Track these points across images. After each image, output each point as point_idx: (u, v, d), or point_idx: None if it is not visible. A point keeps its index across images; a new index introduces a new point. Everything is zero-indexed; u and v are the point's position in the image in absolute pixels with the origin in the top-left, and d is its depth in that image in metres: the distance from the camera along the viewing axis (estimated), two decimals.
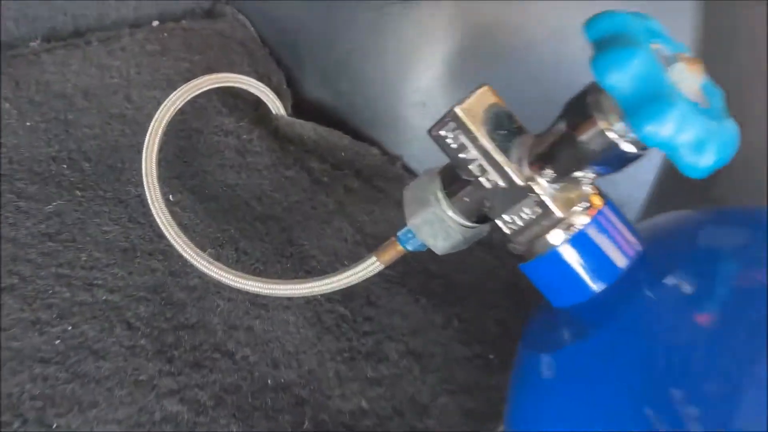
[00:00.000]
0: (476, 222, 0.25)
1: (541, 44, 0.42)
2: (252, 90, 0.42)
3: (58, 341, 0.31)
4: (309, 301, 0.36)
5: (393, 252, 0.28)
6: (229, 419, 0.31)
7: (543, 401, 0.22)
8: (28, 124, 0.39)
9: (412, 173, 0.46)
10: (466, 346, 0.38)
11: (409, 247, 0.28)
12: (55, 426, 0.28)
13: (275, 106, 0.44)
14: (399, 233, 0.27)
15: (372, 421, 0.34)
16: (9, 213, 0.34)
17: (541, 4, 0.41)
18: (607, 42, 0.19)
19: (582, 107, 0.21)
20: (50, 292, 0.33)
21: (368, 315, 0.37)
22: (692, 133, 0.19)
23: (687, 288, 0.21)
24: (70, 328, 0.31)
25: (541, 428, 0.22)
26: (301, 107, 0.49)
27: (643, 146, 0.21)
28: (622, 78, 0.19)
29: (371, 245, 0.41)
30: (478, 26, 0.45)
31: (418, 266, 0.40)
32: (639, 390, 0.19)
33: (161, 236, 0.35)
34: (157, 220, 0.34)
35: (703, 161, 0.19)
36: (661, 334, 0.20)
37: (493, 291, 0.41)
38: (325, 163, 0.43)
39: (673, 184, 0.45)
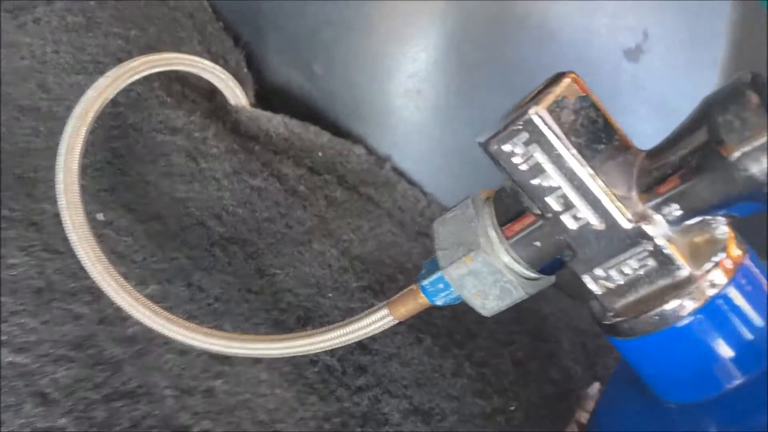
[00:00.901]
0: (544, 272, 0.18)
1: (570, 21, 0.35)
2: (205, 75, 0.33)
3: None
4: None
5: (413, 305, 0.20)
6: None
7: None
8: None
9: (405, 177, 0.38)
10: (484, 399, 0.30)
11: (439, 302, 0.20)
12: None
13: (234, 94, 0.35)
14: (424, 282, 0.19)
15: None
16: None
17: None
18: None
19: (741, 108, 0.14)
20: None
21: (361, 364, 0.30)
22: None
23: None
24: None
25: None
26: (266, 95, 0.40)
27: None
28: None
29: (360, 271, 0.33)
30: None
31: None
32: None
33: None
34: (77, 249, 0.25)
35: None
36: None
37: (507, 321, 0.34)
38: (301, 168, 0.35)
39: None
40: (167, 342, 0.27)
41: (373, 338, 0.31)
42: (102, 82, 0.28)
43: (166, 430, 0.25)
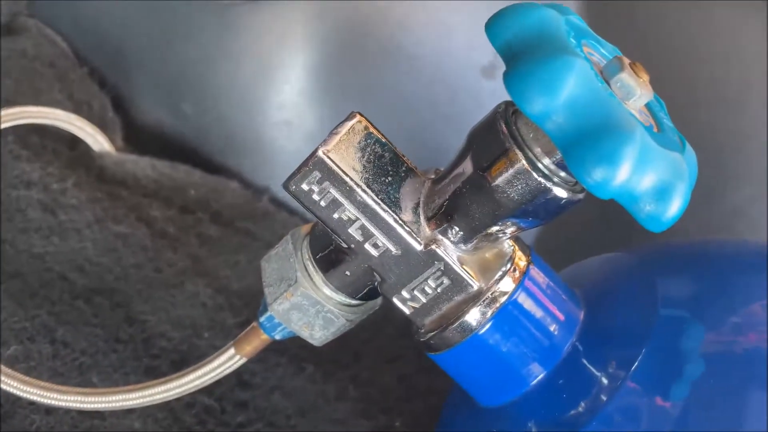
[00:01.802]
0: (364, 298, 0.19)
1: (426, 43, 0.36)
2: (60, 125, 0.33)
3: None
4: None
5: (257, 342, 0.21)
6: None
7: None
8: None
9: (284, 207, 0.39)
10: (368, 419, 0.31)
11: (278, 337, 0.20)
12: None
13: (96, 141, 0.34)
14: (261, 318, 0.20)
15: None
16: None
17: None
18: (527, 51, 0.13)
19: (494, 138, 0.15)
20: None
21: (241, 400, 0.30)
22: (656, 174, 0.13)
23: (643, 373, 0.15)
24: None
25: None
26: (135, 138, 0.39)
27: (581, 188, 0.15)
28: (554, 103, 0.13)
29: (238, 306, 0.33)
30: (347, 24, 0.39)
31: None
32: None
33: None
34: None
35: (670, 211, 0.13)
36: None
37: (396, 337, 0.35)
38: (171, 209, 0.35)
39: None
40: (32, 402, 0.26)
41: (253, 373, 0.31)
42: None
43: None
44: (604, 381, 0.16)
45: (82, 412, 0.27)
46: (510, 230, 0.16)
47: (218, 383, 0.29)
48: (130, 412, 0.27)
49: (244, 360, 0.22)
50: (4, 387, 0.24)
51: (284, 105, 0.39)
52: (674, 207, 0.13)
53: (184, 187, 0.36)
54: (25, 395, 0.24)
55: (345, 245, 0.17)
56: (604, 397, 0.15)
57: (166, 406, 0.28)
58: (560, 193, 0.15)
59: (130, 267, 0.31)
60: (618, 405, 0.15)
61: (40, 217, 0.30)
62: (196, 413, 0.28)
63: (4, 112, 0.30)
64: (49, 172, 0.32)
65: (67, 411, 0.27)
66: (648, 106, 0.15)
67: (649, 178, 0.13)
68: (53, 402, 0.24)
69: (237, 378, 0.30)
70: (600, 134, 0.13)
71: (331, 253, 0.18)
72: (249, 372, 0.31)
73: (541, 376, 0.16)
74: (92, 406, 0.23)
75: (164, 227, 0.33)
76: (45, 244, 0.30)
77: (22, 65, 0.38)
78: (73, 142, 0.35)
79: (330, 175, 0.16)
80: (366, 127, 0.17)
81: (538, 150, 0.15)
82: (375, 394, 0.33)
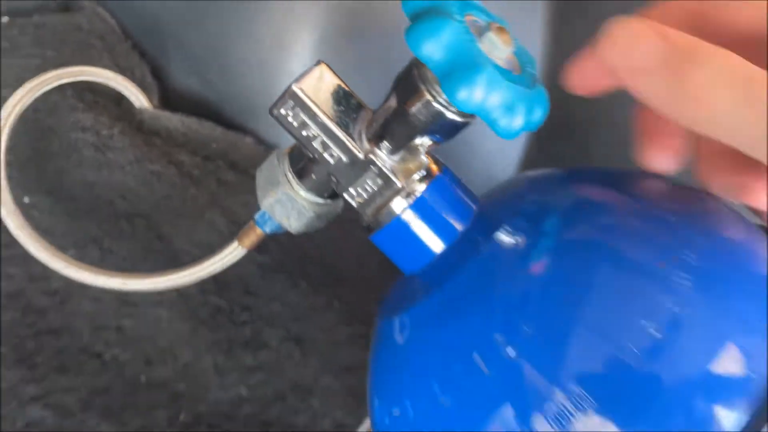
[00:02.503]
0: (328, 198, 0.26)
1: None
2: (110, 83, 0.41)
3: None
4: (182, 295, 0.36)
5: (253, 236, 0.28)
6: (99, 420, 0.30)
7: (396, 362, 0.23)
8: None
9: None
10: (348, 326, 0.38)
11: (267, 229, 0.28)
12: None
13: (138, 99, 0.42)
14: (256, 216, 0.28)
15: (253, 408, 0.34)
16: None
17: None
18: (421, 15, 0.20)
19: (409, 81, 0.22)
20: None
21: (246, 305, 0.37)
22: (501, 97, 0.20)
23: (511, 242, 0.22)
24: None
25: (397, 390, 0.23)
26: (169, 99, 0.47)
27: (468, 114, 0.22)
28: (434, 48, 0.20)
29: None
30: (346, 10, 0.46)
31: (297, 251, 0.40)
32: (477, 338, 0.21)
33: (15, 242, 0.33)
34: (8, 223, 0.32)
35: (515, 123, 0.20)
36: (491, 286, 0.21)
37: (370, 275, 0.42)
38: (196, 156, 0.42)
39: (543, 156, 0.48)
40: (84, 293, 0.34)
41: (257, 286, 0.39)
42: (19, 92, 0.36)
43: (83, 356, 0.32)
44: (481, 249, 0.23)
45: (123, 302, 0.34)
46: (425, 145, 0.23)
47: (228, 290, 0.37)
48: (159, 303, 0.35)
49: (244, 251, 0.29)
50: (65, 272, 0.32)
51: (293, 75, 0.46)
52: (518, 121, 0.20)
53: (207, 140, 0.44)
54: (79, 278, 0.32)
55: (311, 156, 0.24)
56: (477, 255, 0.22)
57: (186, 302, 0.35)
58: (452, 116, 0.22)
59: (162, 198, 0.39)
60: (486, 261, 0.22)
61: (92, 155, 0.38)
62: (210, 310, 0.36)
63: (65, 70, 0.38)
64: (100, 121, 0.40)
65: (110, 301, 0.34)
66: (519, 59, 0.22)
67: (497, 99, 0.20)
68: (100, 284, 0.31)
69: (244, 288, 0.38)
70: (462, 69, 0.19)
71: (303, 163, 0.25)
72: (254, 285, 0.38)
73: (442, 248, 0.23)
74: (131, 287, 0.31)
75: (190, 170, 0.41)
76: (95, 176, 0.38)
77: (78, 37, 0.46)
78: (119, 99, 0.43)
79: (299, 103, 0.23)
80: (327, 71, 0.24)
81: (437, 88, 0.22)
82: (357, 311, 0.40)
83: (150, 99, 0.44)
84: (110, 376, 0.32)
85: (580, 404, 0.18)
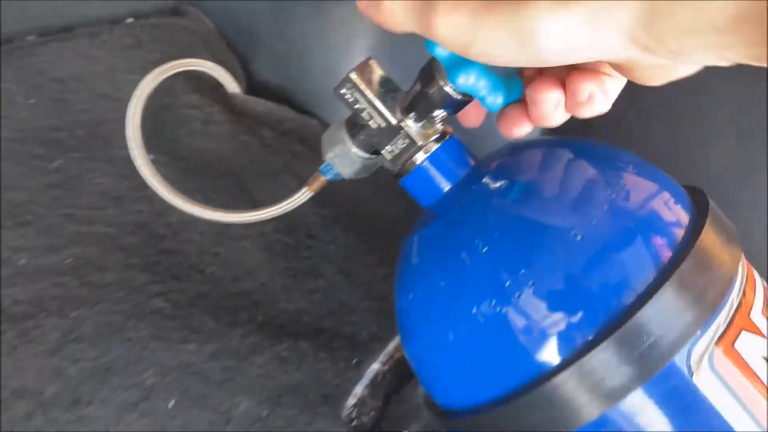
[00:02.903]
0: (372, 154, 0.37)
1: None
2: (212, 73, 0.53)
3: (69, 260, 0.41)
4: (262, 233, 0.47)
5: (317, 182, 0.39)
6: (201, 314, 0.41)
7: (411, 264, 0.34)
8: (30, 102, 0.49)
9: None
10: (384, 266, 0.49)
11: (328, 177, 0.38)
12: (72, 315, 0.38)
13: (232, 86, 0.54)
14: (321, 167, 0.38)
15: (310, 318, 0.45)
16: (24, 168, 0.44)
17: None
18: None
19: (429, 72, 0.32)
20: (59, 226, 0.43)
21: (308, 245, 0.48)
22: (486, 82, 0.30)
23: (493, 185, 0.32)
24: (78, 250, 0.42)
25: (411, 282, 0.33)
26: (254, 88, 0.59)
27: (466, 94, 0.32)
28: (442, 50, 0.30)
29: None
30: None
31: (350, 209, 0.51)
32: (464, 243, 0.31)
33: (145, 187, 0.45)
34: (141, 170, 0.44)
35: (497, 100, 0.30)
36: (477, 211, 0.31)
37: (402, 231, 0.52)
38: (274, 132, 0.54)
39: None
40: (194, 227, 0.46)
41: (318, 232, 0.50)
42: (149, 77, 0.48)
43: (191, 270, 0.44)
44: (473, 189, 0.33)
45: (220, 235, 0.46)
46: (440, 116, 0.34)
47: (296, 232, 0.48)
48: (246, 237, 0.46)
49: (311, 193, 0.40)
50: (183, 207, 0.43)
51: None
52: (499, 99, 0.30)
53: (284, 120, 0.55)
54: (191, 211, 0.43)
55: (361, 122, 0.35)
56: (470, 192, 0.32)
57: (265, 238, 0.47)
58: (457, 96, 0.32)
59: (248, 162, 0.51)
60: (475, 196, 0.32)
61: (199, 127, 0.50)
62: (282, 246, 0.47)
63: (179, 61, 0.50)
64: (204, 101, 0.52)
65: (212, 233, 0.46)
66: None
67: (483, 83, 0.30)
68: (207, 216, 0.43)
69: (307, 232, 0.49)
70: (461, 63, 0.30)
71: (356, 128, 0.36)
72: (315, 230, 0.49)
73: (448, 187, 0.34)
74: (227, 219, 0.42)
75: (270, 142, 0.53)
76: (201, 144, 0.50)
77: (186, 36, 0.59)
78: (217, 86, 0.55)
79: (354, 86, 0.34)
80: (375, 64, 0.35)
81: (446, 77, 0.32)
82: (389, 253, 0.50)
83: (240, 87, 0.56)
84: (210, 285, 0.43)
85: (527, 281, 0.28)
